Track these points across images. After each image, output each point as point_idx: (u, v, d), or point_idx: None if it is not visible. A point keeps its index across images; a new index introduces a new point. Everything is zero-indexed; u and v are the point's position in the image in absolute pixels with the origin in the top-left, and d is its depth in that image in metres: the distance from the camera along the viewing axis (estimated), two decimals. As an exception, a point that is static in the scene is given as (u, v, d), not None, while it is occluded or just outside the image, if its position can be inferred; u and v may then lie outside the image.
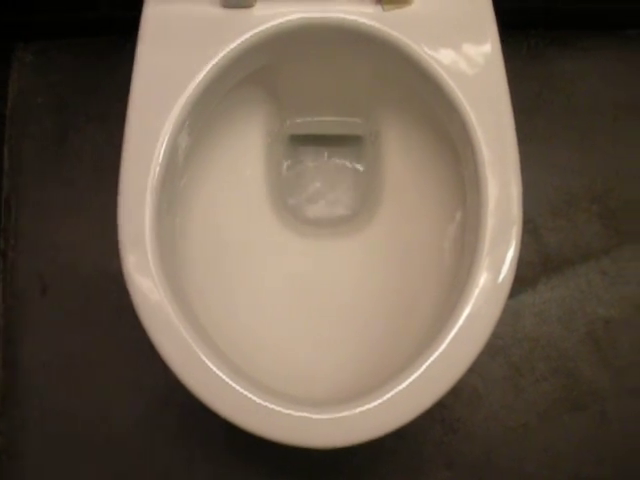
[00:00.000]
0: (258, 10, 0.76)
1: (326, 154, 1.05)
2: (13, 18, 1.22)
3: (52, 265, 1.18)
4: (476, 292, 0.69)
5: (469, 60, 0.75)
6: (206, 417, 1.09)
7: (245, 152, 0.92)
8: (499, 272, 0.69)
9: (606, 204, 1.18)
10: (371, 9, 0.76)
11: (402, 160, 0.92)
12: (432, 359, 0.67)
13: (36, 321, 1.16)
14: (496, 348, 1.12)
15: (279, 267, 0.90)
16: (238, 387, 0.66)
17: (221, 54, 0.75)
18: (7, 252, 1.18)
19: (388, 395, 0.66)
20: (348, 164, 1.04)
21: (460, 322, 0.68)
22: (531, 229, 1.15)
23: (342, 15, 0.76)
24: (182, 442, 1.11)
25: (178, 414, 1.12)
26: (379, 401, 0.66)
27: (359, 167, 1.03)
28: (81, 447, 1.12)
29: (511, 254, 0.70)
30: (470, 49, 0.75)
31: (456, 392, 1.11)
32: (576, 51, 1.25)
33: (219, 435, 1.11)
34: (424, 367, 0.67)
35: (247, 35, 0.76)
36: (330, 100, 0.98)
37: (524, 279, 1.14)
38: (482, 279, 0.69)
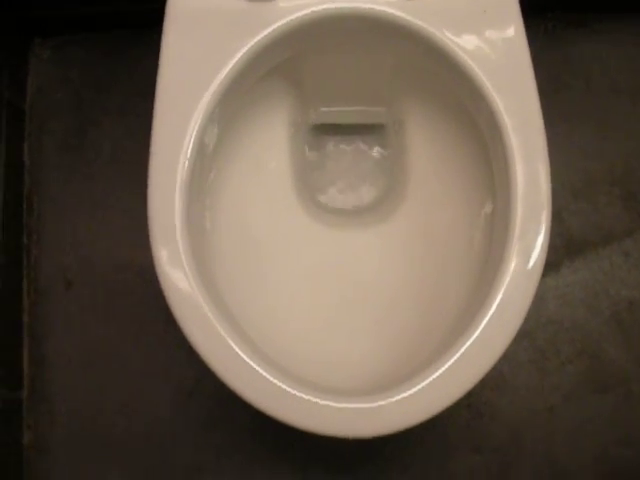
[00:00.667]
0: (283, 2, 0.76)
1: (350, 144, 1.05)
2: (30, 13, 1.22)
3: (75, 260, 1.18)
4: (507, 279, 0.69)
5: (494, 46, 0.75)
6: (233, 408, 1.11)
7: (270, 143, 0.92)
8: (529, 258, 0.70)
9: (627, 186, 1.18)
10: (395, -2, 0.76)
11: (426, 149, 0.92)
12: (465, 347, 0.67)
13: (61, 316, 1.17)
14: (521, 332, 1.09)
15: (306, 257, 0.90)
16: (270, 376, 0.66)
17: (247, 47, 0.75)
18: (30, 248, 1.19)
19: (422, 384, 0.66)
20: (372, 153, 1.04)
21: (493, 309, 0.68)
22: (553, 212, 1.14)
23: (366, 5, 0.76)
24: (210, 433, 1.11)
25: (205, 406, 1.12)
26: (414, 390, 0.66)
27: (383, 156, 1.03)
28: (109, 441, 1.13)
29: (541, 239, 0.70)
30: (494, 34, 0.75)
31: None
32: (594, 34, 1.24)
33: (246, 426, 1.11)
34: (457, 355, 0.67)
35: (272, 27, 0.75)
36: (353, 89, 0.98)
37: (547, 263, 1.11)
38: (513, 265, 0.69)
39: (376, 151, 1.04)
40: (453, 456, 1.10)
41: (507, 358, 1.11)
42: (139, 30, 1.21)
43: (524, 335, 1.12)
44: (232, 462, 1.11)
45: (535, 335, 1.13)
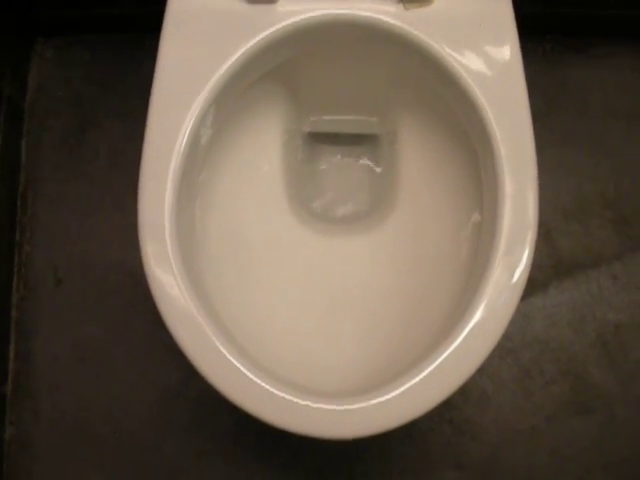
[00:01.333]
0: (282, 6, 0.77)
1: (342, 153, 1.05)
2: (34, 13, 1.23)
3: (67, 258, 1.19)
4: (490, 290, 0.69)
5: (489, 60, 0.75)
6: (217, 412, 1.11)
7: (263, 148, 0.93)
8: (513, 273, 0.70)
9: (619, 210, 1.19)
10: (393, 8, 0.77)
11: (418, 160, 0.93)
12: (446, 354, 0.68)
13: (49, 313, 1.17)
14: (506, 350, 1.13)
15: (295, 262, 0.91)
16: (255, 378, 0.67)
17: (244, 49, 0.76)
18: (22, 244, 1.20)
19: (402, 388, 0.66)
20: (364, 163, 1.05)
21: (474, 319, 0.69)
22: (544, 232, 1.15)
23: (364, 12, 0.77)
24: (192, 436, 1.12)
25: (189, 408, 1.12)
26: (394, 393, 0.66)
27: (375, 166, 1.04)
28: (91, 439, 1.13)
29: (526, 255, 0.71)
30: (490, 49, 0.76)
31: (465, 393, 1.11)
32: (591, 58, 1.25)
33: (229, 430, 1.11)
34: (438, 361, 0.67)
35: (270, 30, 0.76)
36: (348, 99, 0.99)
37: (535, 282, 1.14)
38: (497, 278, 0.70)
39: (368, 161, 1.05)
40: (433, 472, 1.10)
41: (491, 376, 1.12)
42: (142, 33, 1.22)
43: (509, 353, 1.13)
44: (213, 464, 1.11)
45: (520, 354, 1.13)
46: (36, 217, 1.21)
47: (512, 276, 0.70)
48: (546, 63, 1.24)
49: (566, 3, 1.18)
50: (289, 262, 0.90)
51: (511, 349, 1.13)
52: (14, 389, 1.15)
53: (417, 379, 0.67)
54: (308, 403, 0.66)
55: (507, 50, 0.76)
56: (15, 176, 1.21)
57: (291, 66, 0.86)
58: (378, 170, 1.04)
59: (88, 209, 1.21)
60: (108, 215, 1.20)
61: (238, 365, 0.67)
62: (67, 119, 1.25)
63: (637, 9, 1.20)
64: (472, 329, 0.68)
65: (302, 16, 0.77)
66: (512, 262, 0.70)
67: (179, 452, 1.11)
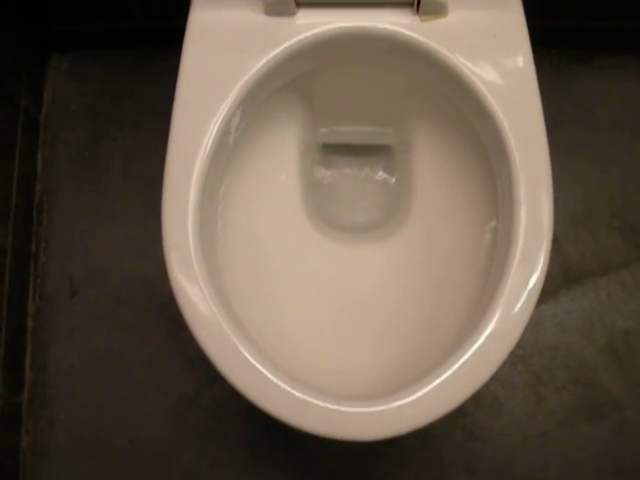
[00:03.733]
0: (300, 19, 0.79)
1: (358, 163, 1.07)
2: (50, 28, 1.26)
3: (82, 269, 1.21)
4: (507, 297, 0.71)
5: (503, 70, 0.77)
6: (231, 420, 1.12)
7: (280, 158, 0.95)
8: (529, 279, 0.71)
9: (626, 218, 1.20)
10: (408, 20, 0.79)
11: (432, 170, 0.95)
12: (464, 358, 0.69)
13: (65, 323, 1.19)
14: (517, 357, 1.14)
15: (311, 270, 0.92)
16: (282, 383, 0.68)
17: (263, 61, 0.78)
18: (38, 255, 1.21)
19: (424, 390, 0.68)
20: (379, 173, 1.06)
21: (491, 325, 0.70)
22: (553, 241, 1.16)
23: (381, 25, 0.79)
24: (207, 444, 1.13)
25: (204, 417, 1.13)
26: (414, 396, 0.67)
27: (390, 176, 1.06)
28: (107, 448, 1.14)
29: (542, 262, 0.72)
30: (504, 60, 0.78)
31: (477, 399, 1.12)
32: (597, 70, 1.28)
33: (244, 438, 1.12)
34: (457, 365, 0.69)
35: (289, 43, 0.78)
36: (363, 110, 1.01)
37: (545, 290, 1.13)
38: (513, 285, 0.71)
39: (382, 171, 1.06)
40: (447, 477, 1.11)
41: (503, 382, 1.13)
42: (156, 48, 1.25)
43: (520, 360, 1.14)
44: (228, 472, 1.12)
45: (531, 360, 1.14)
46: (52, 228, 1.22)
47: (528, 283, 0.71)
48: (552, 75, 1.27)
49: (572, 16, 1.21)
50: (306, 270, 0.92)
51: (522, 356, 1.14)
52: (30, 398, 1.16)
53: (436, 383, 0.68)
54: (337, 407, 0.67)
55: (520, 60, 0.78)
56: (31, 187, 1.23)
57: (308, 77, 0.88)
58: (392, 180, 1.05)
59: (103, 220, 1.22)
60: (123, 226, 1.21)
61: (263, 370, 0.68)
62: (82, 131, 1.27)
63: (636, 21, 1.22)
64: (489, 335, 0.70)
65: (320, 29, 0.79)
66: (528, 269, 0.72)
67: (194, 460, 1.12)
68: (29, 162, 1.23)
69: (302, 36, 0.79)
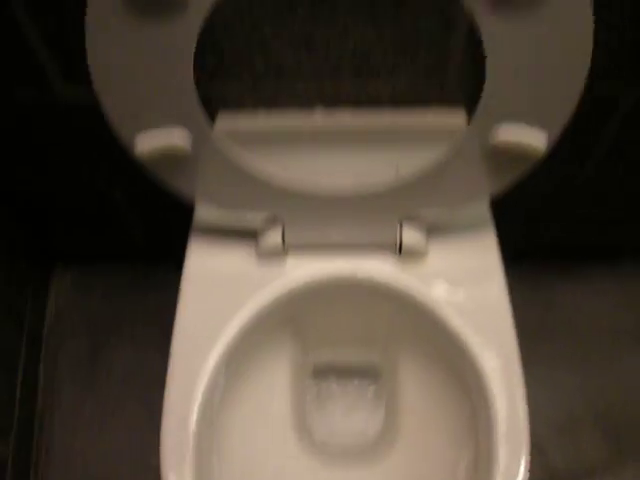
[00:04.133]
0: (290, 265, 0.86)
1: (347, 385, 1.12)
2: (54, 242, 1.33)
3: (81, 478, 1.23)
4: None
5: (479, 307, 0.83)
6: None
7: (272, 387, 0.99)
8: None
9: (608, 423, 1.24)
10: (390, 265, 0.86)
11: (417, 393, 0.98)
12: None
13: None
14: None
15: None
16: None
17: (256, 306, 0.84)
18: (39, 464, 1.24)
19: None
20: (368, 396, 1.11)
21: None
22: (537, 447, 1.20)
23: (363, 274, 0.87)
24: None
25: None
26: None
27: (378, 397, 1.10)
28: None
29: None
30: (480, 296, 0.84)
31: None
32: (577, 281, 1.35)
33: None
34: None
35: (279, 291, 0.85)
36: (351, 336, 1.07)
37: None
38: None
39: (372, 394, 1.11)
40: None
41: None
42: (151, 265, 1.32)
43: None
44: None
45: None
46: (52, 438, 1.26)
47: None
48: (532, 285, 1.34)
49: (547, 235, 1.29)
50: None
51: None
52: None
53: None
54: None
55: (495, 296, 0.84)
56: (33, 399, 1.27)
57: (297, 315, 0.95)
58: (381, 401, 1.10)
59: (103, 429, 1.26)
60: (122, 435, 1.25)
61: None
62: (82, 343, 1.33)
63: (609, 239, 1.30)
64: None
65: (309, 278, 0.86)
66: None
67: None
68: (31, 375, 1.28)
69: (291, 285, 0.85)
